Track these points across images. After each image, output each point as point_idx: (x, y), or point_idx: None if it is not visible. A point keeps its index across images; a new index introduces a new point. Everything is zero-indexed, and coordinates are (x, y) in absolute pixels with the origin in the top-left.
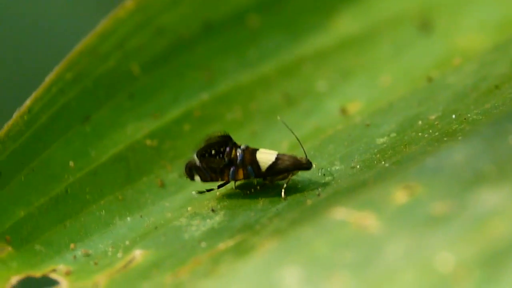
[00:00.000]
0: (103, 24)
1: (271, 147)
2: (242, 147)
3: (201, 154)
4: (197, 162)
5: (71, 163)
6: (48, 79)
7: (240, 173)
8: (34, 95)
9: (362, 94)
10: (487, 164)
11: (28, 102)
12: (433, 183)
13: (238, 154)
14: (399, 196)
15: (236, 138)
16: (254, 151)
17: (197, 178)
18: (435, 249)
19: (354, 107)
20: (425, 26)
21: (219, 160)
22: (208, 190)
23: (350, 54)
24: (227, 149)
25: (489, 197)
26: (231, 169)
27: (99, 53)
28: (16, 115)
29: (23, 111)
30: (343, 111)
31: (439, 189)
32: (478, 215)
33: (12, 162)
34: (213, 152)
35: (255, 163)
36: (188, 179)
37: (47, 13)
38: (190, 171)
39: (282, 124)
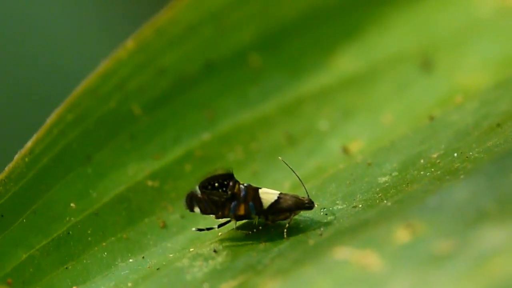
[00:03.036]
0: (104, 65)
1: (272, 186)
2: (245, 184)
3: (204, 185)
4: (199, 193)
5: (73, 205)
6: (49, 120)
7: (242, 209)
8: (35, 136)
9: (364, 133)
10: (489, 202)
11: (29, 144)
12: (435, 222)
13: (241, 189)
14: (401, 234)
15: (237, 178)
16: (257, 189)
17: (197, 209)
18: None
19: (355, 146)
20: (426, 64)
21: (221, 193)
22: (208, 229)
23: (351, 93)
24: (231, 182)
25: (492, 235)
26: (233, 203)
27: (100, 94)
28: (17, 157)
29: (25, 153)
30: (345, 150)
31: (441, 227)
32: (481, 253)
33: (14, 204)
34: (216, 184)
35: (257, 199)
36: (189, 219)
37: (47, 55)
38: (191, 201)
39: (284, 164)
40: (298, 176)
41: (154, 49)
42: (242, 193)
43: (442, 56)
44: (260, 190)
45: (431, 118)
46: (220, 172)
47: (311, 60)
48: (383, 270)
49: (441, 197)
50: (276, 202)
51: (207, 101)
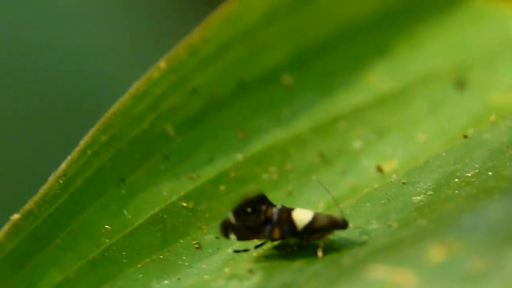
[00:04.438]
0: (137, 85)
1: (307, 207)
2: (278, 206)
3: (237, 212)
4: (233, 220)
5: (107, 226)
6: (83, 142)
7: (276, 232)
8: (69, 158)
9: (398, 153)
10: None
11: (63, 166)
12: (470, 241)
13: (274, 212)
14: (436, 253)
15: (271, 199)
16: (290, 210)
17: (232, 236)
18: None
19: (389, 166)
20: (460, 83)
21: (255, 218)
22: (245, 250)
23: (384, 112)
24: (263, 207)
25: None
26: (267, 227)
27: (133, 115)
28: (51, 178)
29: (59, 175)
30: (379, 169)
31: (476, 246)
32: None
33: (49, 226)
34: (249, 210)
35: (291, 222)
36: (224, 239)
37: (80, 76)
38: (226, 229)
39: (318, 184)
40: (332, 195)
41: (186, 69)
42: (276, 217)
43: (475, 74)
44: (293, 212)
45: (465, 136)
46: (252, 195)
47: (344, 78)
48: None
49: (476, 216)
50: (311, 222)
51: (240, 121)
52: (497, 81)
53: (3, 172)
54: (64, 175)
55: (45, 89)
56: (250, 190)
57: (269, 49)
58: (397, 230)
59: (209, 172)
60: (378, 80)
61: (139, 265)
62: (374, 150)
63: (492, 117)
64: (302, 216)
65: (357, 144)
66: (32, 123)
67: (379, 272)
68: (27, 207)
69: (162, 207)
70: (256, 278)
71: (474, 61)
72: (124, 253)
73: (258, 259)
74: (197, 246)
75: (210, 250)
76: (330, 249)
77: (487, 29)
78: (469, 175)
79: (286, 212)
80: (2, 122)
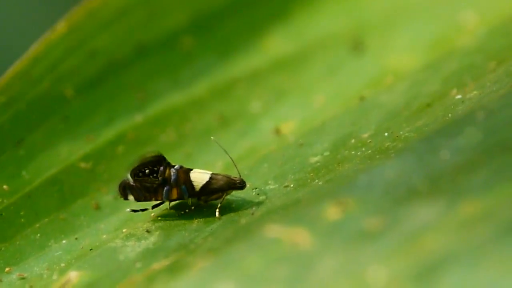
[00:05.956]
0: (35, 48)
1: (205, 168)
2: (176, 166)
3: (135, 173)
4: (131, 181)
5: (5, 187)
6: None
7: (174, 193)
8: None
9: (296, 114)
10: (419, 180)
11: None
12: (366, 199)
13: (172, 173)
14: (332, 212)
15: (170, 160)
16: (188, 170)
17: (131, 197)
18: (368, 264)
19: (287, 127)
20: (357, 46)
21: (152, 179)
22: (143, 210)
23: (283, 75)
24: (161, 168)
25: (422, 212)
26: (165, 188)
27: (32, 76)
28: None
29: None
30: (277, 131)
31: (371, 204)
32: (411, 230)
33: None
34: (147, 171)
35: (189, 182)
36: (123, 199)
37: None
38: (124, 190)
39: (216, 145)
40: (230, 156)
41: (85, 31)
42: (174, 177)
43: (372, 38)
44: (191, 172)
45: (362, 98)
46: (150, 156)
47: (242, 42)
48: (314, 247)
49: (372, 175)
50: (208, 183)
51: (139, 83)
52: (393, 44)
53: None
54: None
55: None
56: (148, 151)
57: (168, 13)
58: (294, 190)
59: (108, 133)
60: (276, 43)
61: (37, 225)
62: (272, 112)
63: (389, 79)
64: (200, 177)
65: (255, 107)
66: None
67: (275, 231)
68: None
69: (60, 168)
70: (153, 238)
71: (371, 25)
72: (22, 213)
73: (156, 219)
74: (95, 206)
75: (108, 211)
76: (227, 209)
77: None
78: (365, 136)
79: (184, 173)
80: None
